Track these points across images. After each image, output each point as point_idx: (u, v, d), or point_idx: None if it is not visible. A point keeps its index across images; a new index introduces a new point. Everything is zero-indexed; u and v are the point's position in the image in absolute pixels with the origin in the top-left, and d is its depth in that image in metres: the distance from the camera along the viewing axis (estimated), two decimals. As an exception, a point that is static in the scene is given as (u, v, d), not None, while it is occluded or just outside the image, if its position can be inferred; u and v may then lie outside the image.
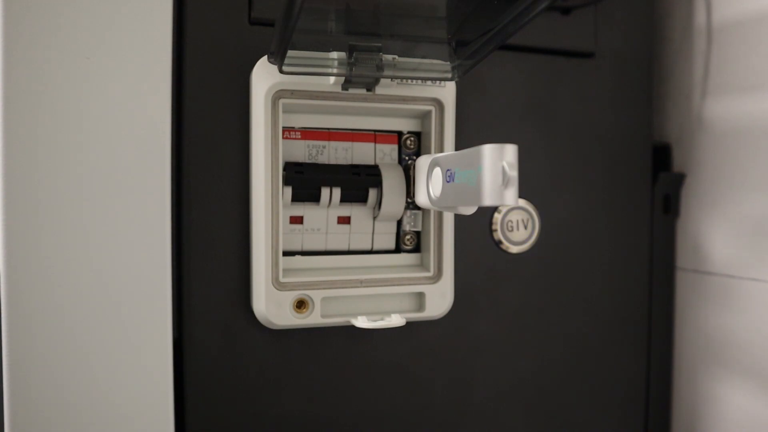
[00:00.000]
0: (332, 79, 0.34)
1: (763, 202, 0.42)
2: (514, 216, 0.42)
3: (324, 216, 0.37)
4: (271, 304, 0.35)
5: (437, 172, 0.33)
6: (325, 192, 0.36)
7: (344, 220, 0.38)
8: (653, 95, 0.47)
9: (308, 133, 0.37)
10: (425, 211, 0.38)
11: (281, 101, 0.34)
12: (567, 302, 0.44)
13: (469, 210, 0.32)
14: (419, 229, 0.39)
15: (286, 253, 0.36)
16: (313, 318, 0.35)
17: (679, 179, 0.48)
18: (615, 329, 0.45)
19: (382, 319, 0.35)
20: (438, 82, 0.36)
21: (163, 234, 0.32)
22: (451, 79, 0.35)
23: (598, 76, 0.44)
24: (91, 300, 0.31)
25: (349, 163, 0.37)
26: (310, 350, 0.38)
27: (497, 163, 0.25)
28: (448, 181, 0.31)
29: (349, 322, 0.36)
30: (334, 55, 0.33)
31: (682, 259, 0.48)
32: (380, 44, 0.32)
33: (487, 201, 0.25)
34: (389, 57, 0.33)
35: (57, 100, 0.30)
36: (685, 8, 0.48)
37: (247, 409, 0.37)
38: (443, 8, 0.33)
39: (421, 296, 0.38)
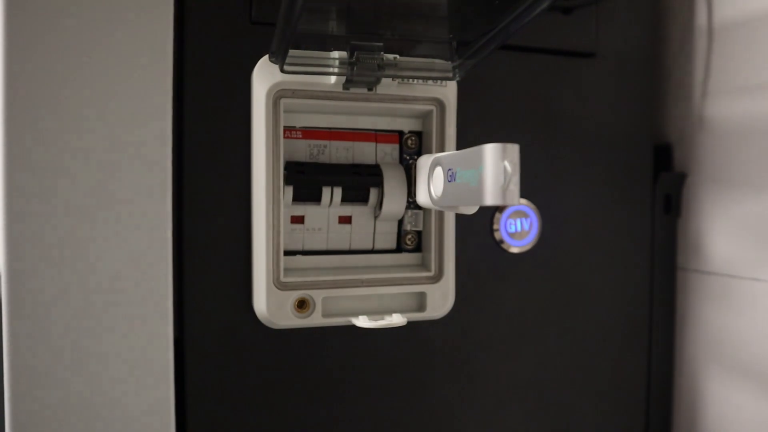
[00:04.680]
0: (333, 78, 0.34)
1: (764, 202, 0.42)
2: (516, 215, 0.42)
3: (325, 216, 0.37)
4: (272, 304, 0.35)
5: (438, 171, 0.33)
6: (326, 192, 0.36)
7: (345, 220, 0.38)
8: (654, 95, 0.47)
9: (309, 133, 0.37)
10: (426, 211, 0.38)
11: (282, 101, 0.34)
12: (568, 302, 0.44)
13: (471, 209, 0.32)
14: (420, 228, 0.39)
15: (287, 253, 0.36)
16: (314, 318, 0.35)
17: (680, 179, 0.48)
18: (616, 329, 0.45)
19: (383, 319, 0.35)
20: (439, 81, 0.36)
21: (163, 233, 0.32)
22: (452, 79, 0.35)
23: (599, 75, 0.44)
24: (92, 300, 0.31)
25: (350, 162, 0.37)
26: (311, 350, 0.38)
27: (499, 163, 0.25)
28: (449, 181, 0.31)
29: (350, 321, 0.36)
30: (336, 54, 0.33)
31: (684, 258, 0.48)
32: (381, 44, 0.32)
33: (489, 201, 0.25)
34: (390, 56, 0.33)
35: (56, 100, 0.30)
36: (685, 8, 0.48)
37: (248, 409, 0.37)
38: (444, 8, 0.33)
39: (422, 296, 0.38)
